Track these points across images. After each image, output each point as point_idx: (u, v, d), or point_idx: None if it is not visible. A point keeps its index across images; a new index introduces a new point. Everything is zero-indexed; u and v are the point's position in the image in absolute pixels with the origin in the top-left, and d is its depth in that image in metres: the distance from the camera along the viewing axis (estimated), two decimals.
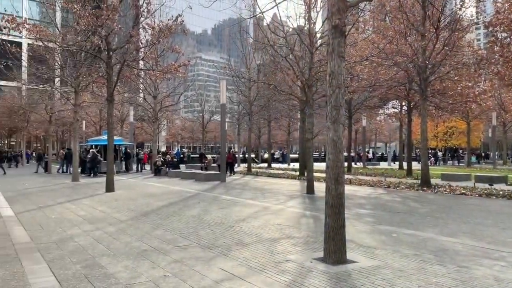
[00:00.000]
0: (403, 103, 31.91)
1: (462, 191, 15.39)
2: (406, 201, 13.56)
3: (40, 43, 20.20)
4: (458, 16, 17.91)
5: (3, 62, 26.28)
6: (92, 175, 25.10)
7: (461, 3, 17.51)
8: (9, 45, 18.81)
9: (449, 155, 53.63)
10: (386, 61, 18.60)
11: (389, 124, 59.24)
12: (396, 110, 35.88)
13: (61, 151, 32.41)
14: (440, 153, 51.68)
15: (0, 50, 18.08)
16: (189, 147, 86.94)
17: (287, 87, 21.96)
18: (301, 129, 25.72)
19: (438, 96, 22.00)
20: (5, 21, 11.52)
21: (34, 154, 52.77)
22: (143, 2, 16.15)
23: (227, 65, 31.65)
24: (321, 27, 17.61)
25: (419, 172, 19.43)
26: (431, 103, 23.16)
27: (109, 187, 15.89)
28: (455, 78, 19.54)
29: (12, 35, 16.65)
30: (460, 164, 46.66)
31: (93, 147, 28.52)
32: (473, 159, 48.68)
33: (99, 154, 26.85)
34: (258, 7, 16.66)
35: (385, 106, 36.12)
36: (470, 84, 19.05)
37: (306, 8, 16.18)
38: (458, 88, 19.45)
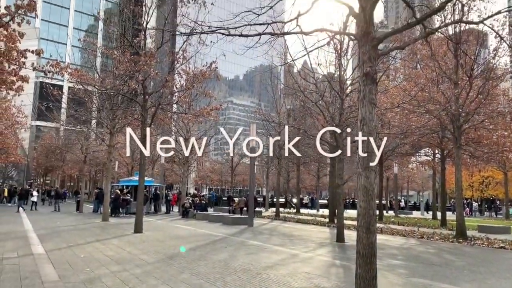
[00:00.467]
0: (436, 151, 31.25)
1: (501, 245, 14.62)
2: (440, 253, 12.98)
3: (80, 87, 21.23)
4: (492, 64, 17.71)
5: (44, 104, 27.67)
6: (118, 215, 25.05)
7: (494, 52, 17.39)
8: (51, 88, 19.87)
9: (486, 206, 51.45)
10: (418, 108, 18.42)
11: (422, 172, 57.80)
12: (428, 158, 35.12)
13: (95, 190, 32.99)
14: (475, 204, 49.63)
15: (42, 92, 19.12)
16: (217, 189, 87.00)
17: (317, 132, 21.99)
18: (331, 174, 25.44)
19: (473, 145, 21.41)
20: (49, 65, 12.23)
21: (66, 193, 53.86)
22: (179, 50, 16.86)
23: (258, 109, 32.13)
24: (352, 74, 17.79)
25: (454, 223, 18.68)
26: (466, 151, 22.55)
27: (138, 228, 15.98)
28: (490, 126, 19.08)
29: (54, 79, 17.62)
30: (498, 216, 44.64)
31: (124, 187, 28.91)
32: None
33: (128, 195, 27.13)
34: (290, 55, 16.99)
35: (417, 154, 35.46)
36: (506, 133, 18.57)
37: (337, 56, 16.44)
38: (494, 137, 18.98)
